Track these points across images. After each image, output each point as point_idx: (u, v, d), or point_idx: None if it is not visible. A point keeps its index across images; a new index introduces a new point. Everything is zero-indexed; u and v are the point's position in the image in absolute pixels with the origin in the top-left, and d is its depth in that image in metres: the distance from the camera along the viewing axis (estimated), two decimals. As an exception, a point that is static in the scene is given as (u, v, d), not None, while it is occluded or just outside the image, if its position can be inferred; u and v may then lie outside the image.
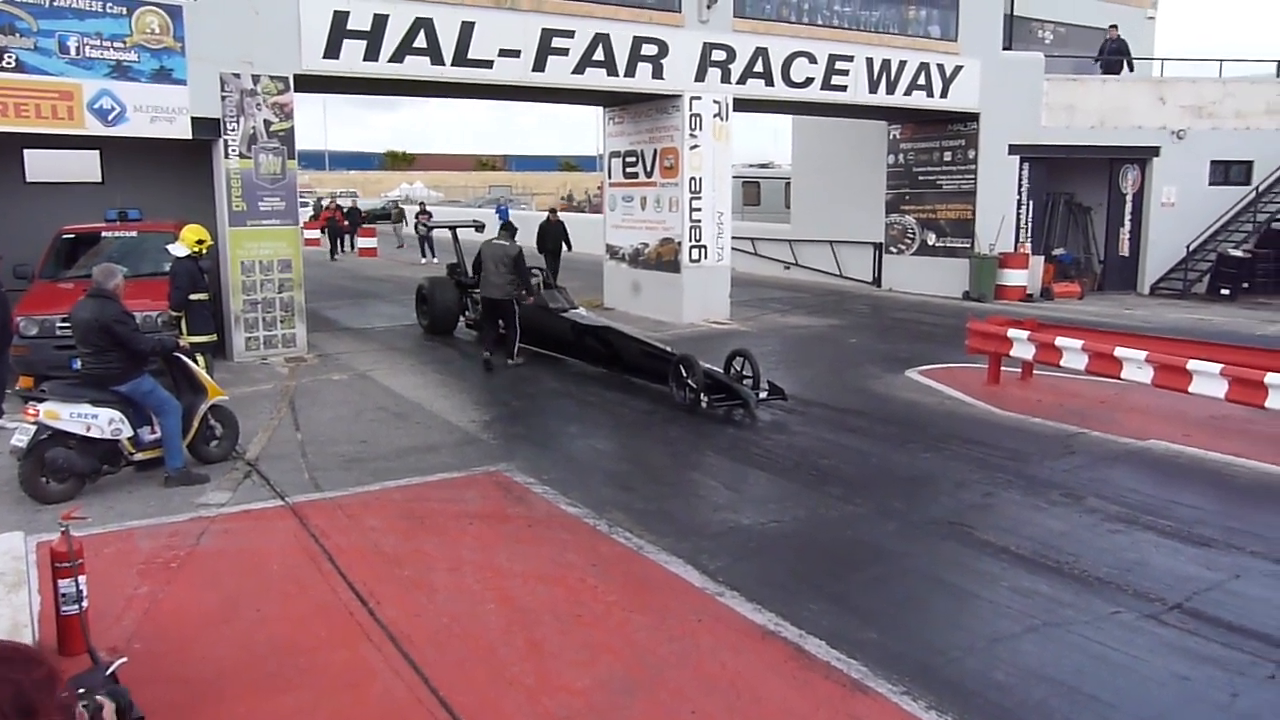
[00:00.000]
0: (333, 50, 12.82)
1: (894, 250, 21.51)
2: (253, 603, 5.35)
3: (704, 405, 9.55)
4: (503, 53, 14.02)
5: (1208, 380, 8.74)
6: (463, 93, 16.48)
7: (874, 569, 5.95)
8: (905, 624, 5.20)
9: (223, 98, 12.21)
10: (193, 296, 9.50)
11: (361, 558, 5.96)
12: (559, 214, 22.34)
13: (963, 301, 19.10)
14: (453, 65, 13.71)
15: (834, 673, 4.57)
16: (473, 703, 4.29)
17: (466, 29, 13.67)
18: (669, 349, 10.84)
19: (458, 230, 16.77)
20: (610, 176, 18.20)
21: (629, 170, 17.47)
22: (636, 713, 4.25)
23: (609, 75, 14.95)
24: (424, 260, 28.23)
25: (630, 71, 15.10)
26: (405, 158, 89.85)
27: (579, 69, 14.67)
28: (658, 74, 15.37)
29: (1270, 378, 8.23)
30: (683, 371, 9.93)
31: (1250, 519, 6.83)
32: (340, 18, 12.78)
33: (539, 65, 14.34)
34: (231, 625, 5.08)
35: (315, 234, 34.26)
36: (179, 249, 9.53)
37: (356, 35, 12.93)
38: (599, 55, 14.76)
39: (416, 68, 13.50)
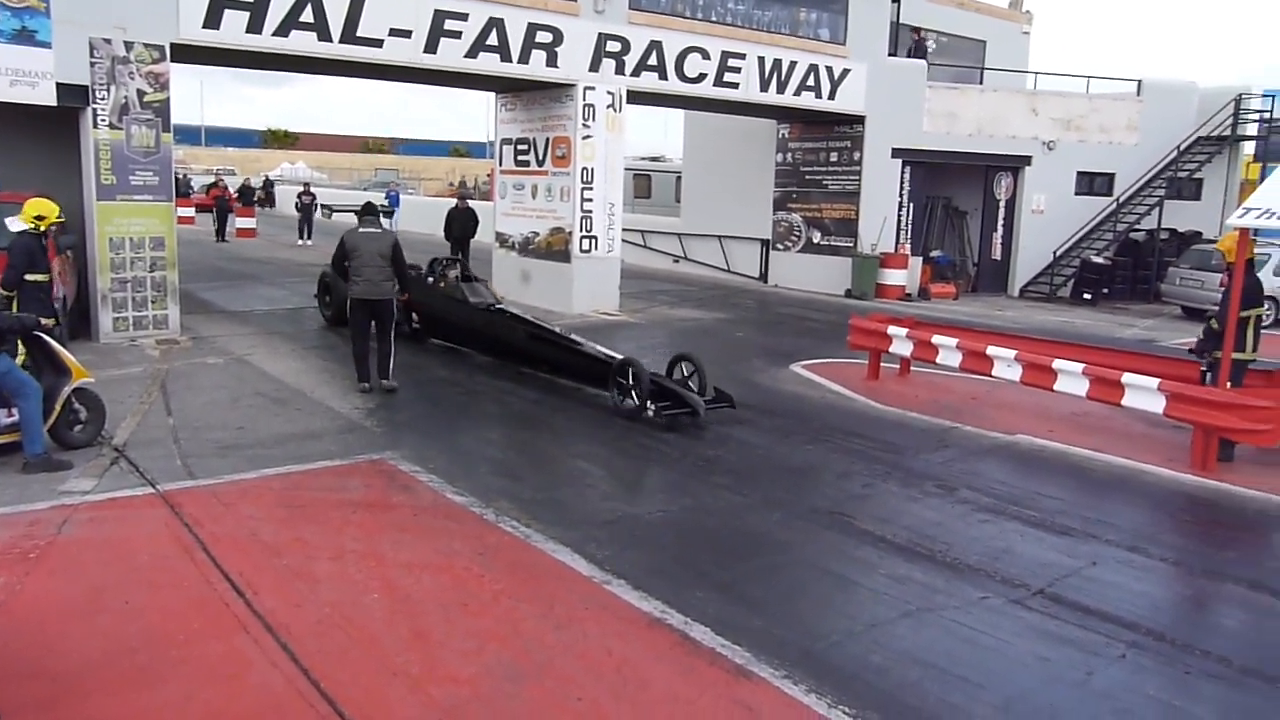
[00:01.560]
0: (213, 20, 12.30)
1: (781, 247, 21.93)
2: (120, 594, 5.12)
3: (650, 413, 8.94)
4: (393, 32, 13.72)
5: (1071, 379, 9.21)
6: (352, 71, 16.04)
7: (759, 558, 6.07)
8: (788, 611, 5.32)
9: (92, 64, 11.58)
10: (29, 276, 8.72)
11: (238, 547, 5.77)
12: (468, 202, 21.62)
13: (845, 299, 19.61)
14: (340, 42, 13.34)
15: (719, 658, 4.64)
16: (355, 694, 4.20)
17: (356, 5, 13.32)
18: (607, 351, 10.03)
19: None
20: (501, 164, 18.01)
21: (521, 158, 17.32)
22: (523, 700, 4.24)
23: (503, 61, 14.79)
24: (301, 242, 27.43)
25: (524, 58, 14.98)
26: (288, 137, 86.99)
27: (472, 53, 14.46)
28: (552, 62, 15.29)
29: (1126, 378, 8.73)
30: (625, 377, 9.28)
31: (1106, 509, 7.24)
32: (222, -14, 12.29)
33: (431, 47, 14.08)
34: (97, 618, 4.85)
35: (189, 211, 32.99)
36: (15, 224, 8.83)
37: (239, 5, 12.45)
38: (493, 40, 14.58)
39: (302, 43, 13.08)
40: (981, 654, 4.85)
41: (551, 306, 16.09)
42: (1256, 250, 16.28)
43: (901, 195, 20.61)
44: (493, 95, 18.03)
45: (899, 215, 20.61)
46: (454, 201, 20.60)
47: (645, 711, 4.20)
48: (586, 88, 15.71)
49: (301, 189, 29.62)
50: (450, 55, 14.30)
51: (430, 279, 12.46)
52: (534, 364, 10.81)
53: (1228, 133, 21.61)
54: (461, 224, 19.26)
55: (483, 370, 11.35)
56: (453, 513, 6.56)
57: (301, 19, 12.94)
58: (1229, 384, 8.41)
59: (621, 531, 6.33)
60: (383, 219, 13.14)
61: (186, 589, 5.20)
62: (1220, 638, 5.26)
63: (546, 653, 4.65)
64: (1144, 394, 8.60)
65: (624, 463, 8.11)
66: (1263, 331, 8.95)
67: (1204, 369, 9.09)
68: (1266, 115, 22.13)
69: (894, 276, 20.00)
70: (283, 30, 12.83)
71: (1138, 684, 4.62)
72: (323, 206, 18.01)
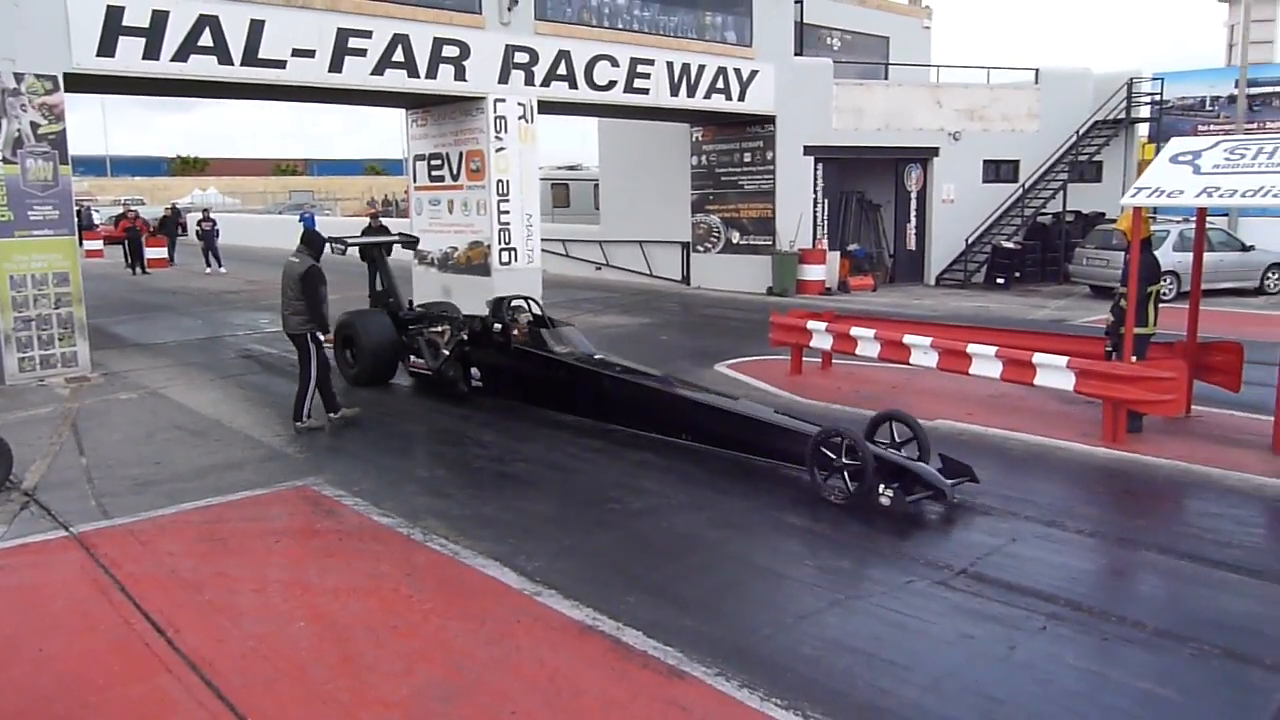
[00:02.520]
0: (107, 48, 11.98)
1: (701, 249, 22.11)
2: (34, 642, 4.95)
3: (886, 500, 6.69)
4: (296, 53, 13.52)
5: (985, 362, 9.45)
6: (256, 94, 15.80)
7: (690, 558, 6.11)
8: (720, 608, 5.37)
9: (-19, 98, 11.21)
10: None
11: (157, 585, 5.62)
12: (380, 219, 21.41)
13: (767, 296, 19.84)
14: (242, 65, 13.10)
15: (651, 661, 4.67)
16: (283, 725, 4.13)
17: (256, 27, 13.09)
18: (793, 420, 7.82)
19: (382, 248, 12.48)
20: (415, 180, 17.86)
21: (435, 173, 17.20)
22: (455, 719, 4.21)
23: (410, 77, 14.67)
24: (209, 270, 26.81)
25: (432, 73, 14.87)
26: (196, 163, 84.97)
27: (378, 70, 14.32)
28: (460, 76, 15.21)
29: (1037, 358, 8.98)
30: (834, 451, 6.96)
31: (1024, 487, 7.44)
32: (115, 13, 11.95)
33: (336, 66, 13.91)
34: (9, 669, 4.69)
35: (97, 244, 32.04)
36: None
37: (134, 32, 12.14)
38: (399, 56, 14.46)
39: (202, 67, 12.81)
40: (908, 636, 4.95)
41: (475, 321, 16.00)
42: (1156, 229, 16.98)
43: (816, 191, 20.96)
44: (403, 111, 17.87)
45: (815, 211, 20.95)
46: (367, 220, 20.33)
47: (579, 719, 4.21)
48: (497, 100, 15.66)
49: (201, 216, 28.95)
50: (356, 73, 14.13)
51: (495, 325, 10.07)
52: (668, 430, 8.58)
53: (1122, 116, 22.42)
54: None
55: (407, 390, 11.23)
56: (380, 534, 6.48)
57: (200, 43, 12.68)
58: (1134, 358, 8.71)
59: (551, 542, 6.32)
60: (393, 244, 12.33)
61: (104, 632, 5.06)
62: (1135, 603, 5.46)
63: (478, 669, 4.63)
64: (1054, 373, 8.86)
65: (554, 472, 8.09)
66: (1163, 305, 9.30)
67: (1109, 346, 9.40)
68: (1157, 98, 23.02)
69: (813, 272, 20.30)
70: (181, 55, 12.54)
71: (1058, 654, 4.76)
72: (332, 242, 13.44)
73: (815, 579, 5.73)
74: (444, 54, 14.95)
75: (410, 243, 14.06)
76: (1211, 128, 22.15)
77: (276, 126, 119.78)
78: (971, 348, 9.56)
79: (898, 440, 7.31)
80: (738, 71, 19.00)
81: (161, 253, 29.44)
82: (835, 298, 19.59)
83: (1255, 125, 21.50)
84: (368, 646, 4.86)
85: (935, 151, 21.85)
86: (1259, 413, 8.81)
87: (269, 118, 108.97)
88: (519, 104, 15.92)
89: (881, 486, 6.70)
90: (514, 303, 10.24)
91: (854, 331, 10.87)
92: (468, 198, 16.43)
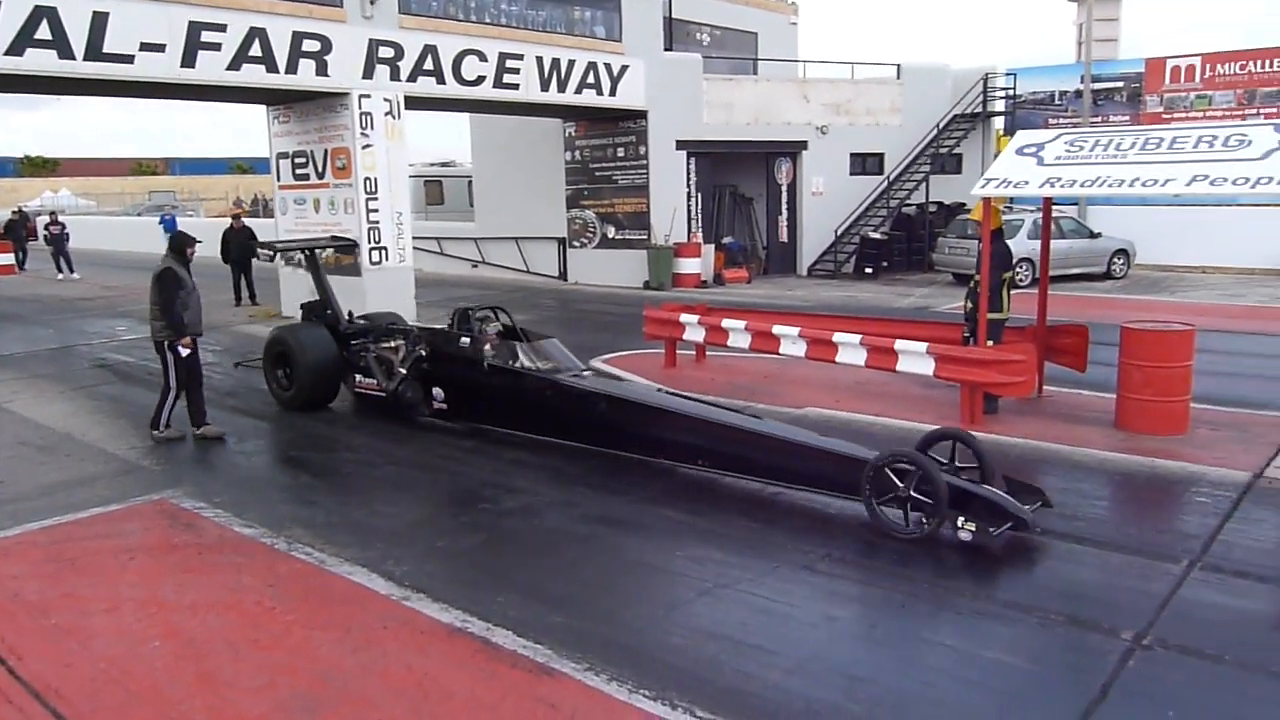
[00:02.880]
0: (-69, 42, 11.25)
1: (577, 244, 22.10)
2: None
3: (966, 534, 5.90)
4: (145, 46, 12.91)
5: (850, 350, 9.72)
6: (104, 90, 15.03)
7: (560, 555, 6.10)
8: (591, 604, 5.39)
9: None
10: None
11: (-2, 611, 5.32)
12: (243, 220, 20.60)
13: (644, 291, 19.96)
14: (86, 60, 12.45)
15: (520, 660, 4.65)
16: (134, 750, 3.96)
17: (99, 20, 12.45)
18: (844, 445, 6.84)
19: (316, 252, 11.52)
20: (280, 179, 17.31)
21: (299, 172, 16.70)
22: (319, 731, 4.11)
23: (269, 72, 14.19)
24: (61, 276, 25.47)
25: (292, 68, 14.43)
26: (47, 163, 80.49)
27: (234, 65, 13.80)
28: (322, 71, 14.80)
29: (899, 344, 9.30)
30: (901, 479, 6.11)
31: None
32: (-62, 5, 11.24)
33: (188, 61, 13.34)
34: None
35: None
36: None
37: (-39, 25, 11.42)
38: (256, 51, 13.96)
39: (41, 62, 12.13)
40: (774, 621, 5.06)
41: (346, 322, 15.62)
42: (1011, 218, 17.79)
43: (689, 186, 21.19)
44: (265, 108, 17.29)
45: (688, 205, 21.18)
46: (229, 221, 19.53)
47: (447, 723, 4.16)
48: (362, 95, 15.29)
49: (49, 220, 27.47)
50: (211, 69, 13.59)
51: (461, 339, 9.02)
52: (682, 455, 7.56)
53: (979, 110, 23.38)
54: (240, 245, 18.38)
55: (268, 395, 10.89)
56: (241, 546, 6.27)
57: (38, 35, 12.00)
58: (990, 342, 9.09)
59: (421, 545, 6.23)
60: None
61: (-64, 665, 4.75)
62: (989, 577, 5.70)
63: (343, 678, 4.52)
64: (915, 358, 9.18)
65: (423, 475, 7.97)
66: (1019, 291, 9.73)
67: (967, 332, 9.79)
68: (1011, 92, 24.10)
69: (689, 265, 20.53)
70: (16, 49, 11.85)
71: (915, 630, 4.94)
72: (260, 247, 13.45)
73: (684, 569, 5.80)
74: (304, 48, 14.51)
75: (347, 246, 12.94)
76: (1060, 121, 23.31)
77: (135, 124, 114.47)
78: (837, 336, 9.83)
79: (954, 461, 6.44)
80: (608, 66, 19.04)
81: (8, 259, 27.78)
82: (711, 291, 19.85)
83: (1099, 119, 22.72)
84: (227, 662, 4.70)
85: (804, 145, 22.35)
86: (1103, 391, 9.30)
87: (126, 115, 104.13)
88: (385, 100, 15.59)
89: (961, 520, 5.88)
90: (479, 313, 9.21)
91: (725, 324, 11.04)
92: (334, 196, 16.01)
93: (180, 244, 9.05)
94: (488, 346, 8.70)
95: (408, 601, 5.32)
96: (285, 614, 5.23)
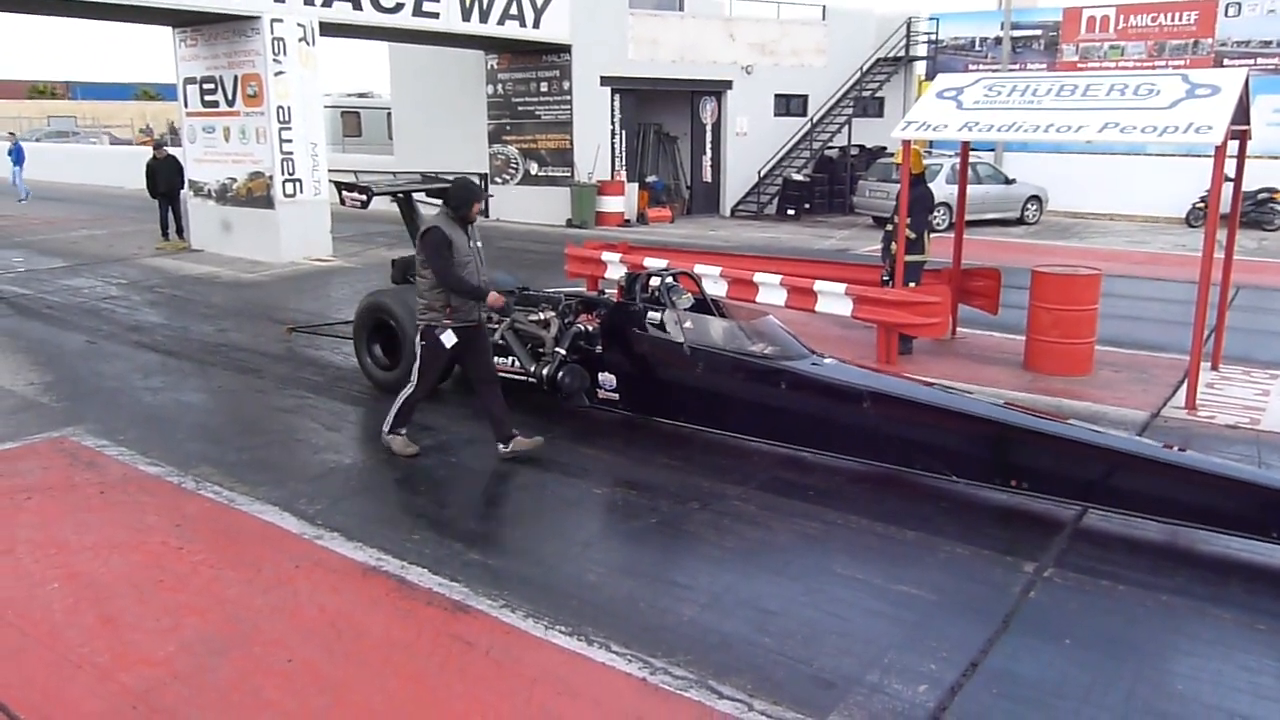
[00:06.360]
0: None
1: (499, 180, 21.73)
2: None
3: None
4: (36, -40, 12.19)
5: (771, 290, 9.78)
6: (-5, 6, 14.15)
7: (478, 492, 6.08)
8: (507, 541, 5.39)
9: None
10: None
11: (-118, 553, 5.08)
12: (167, 150, 19.23)
13: (567, 229, 19.76)
14: (-29, -29, 11.70)
15: (436, 598, 4.62)
16: (31, 696, 3.84)
17: (-15, -71, 11.70)
18: (1229, 464, 5.45)
19: (412, 197, 8.75)
20: (187, 105, 16.61)
21: (208, 98, 16.03)
22: (227, 672, 4.03)
23: (174, -9, 13.52)
24: None
25: (199, -12, 13.76)
26: (-68, 84, 75.84)
27: (136, -18, 13.12)
28: (231, -8, 14.16)
29: (818, 285, 9.39)
30: None
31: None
32: None
33: (85, -24, 12.64)
34: None
35: None
36: None
37: None
38: (158, -32, 13.28)
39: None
40: (690, 558, 5.13)
41: (259, 256, 15.20)
42: (931, 162, 17.98)
43: (613, 123, 20.93)
44: (170, 30, 16.46)
45: (612, 143, 20.95)
46: (151, 152, 18.46)
47: (360, 661, 4.12)
48: (274, 20, 14.68)
49: None
50: (110, -15, 12.90)
51: (649, 313, 6.98)
52: (1005, 475, 5.68)
53: (902, 54, 23.48)
54: (166, 176, 17.14)
55: (176, 334, 10.54)
56: (146, 485, 6.09)
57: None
58: (912, 284, 9.21)
59: (335, 484, 6.12)
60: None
61: None
62: (897, 514, 5.80)
63: (253, 618, 4.45)
64: (834, 299, 9.28)
65: (336, 413, 7.80)
66: (938, 234, 9.87)
67: (885, 274, 9.90)
68: (933, 37, 24.23)
69: (612, 204, 20.37)
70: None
71: (827, 565, 5.04)
72: (346, 189, 8.28)
73: (601, 508, 5.82)
74: (211, -32, 13.85)
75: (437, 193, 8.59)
76: (980, 67, 23.56)
77: (33, 44, 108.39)
78: (758, 276, 9.87)
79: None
80: (532, -2, 18.59)
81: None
82: (634, 229, 19.75)
83: (1017, 65, 23.02)
84: (130, 604, 4.58)
85: (729, 85, 22.21)
86: (1014, 333, 9.53)
87: (22, 34, 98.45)
88: (299, 25, 14.98)
89: None
90: (666, 280, 7.17)
91: (647, 262, 10.96)
92: (245, 125, 15.42)
93: (460, 198, 6.35)
94: (689, 324, 6.85)
95: (320, 541, 5.24)
96: (192, 554, 5.10)
